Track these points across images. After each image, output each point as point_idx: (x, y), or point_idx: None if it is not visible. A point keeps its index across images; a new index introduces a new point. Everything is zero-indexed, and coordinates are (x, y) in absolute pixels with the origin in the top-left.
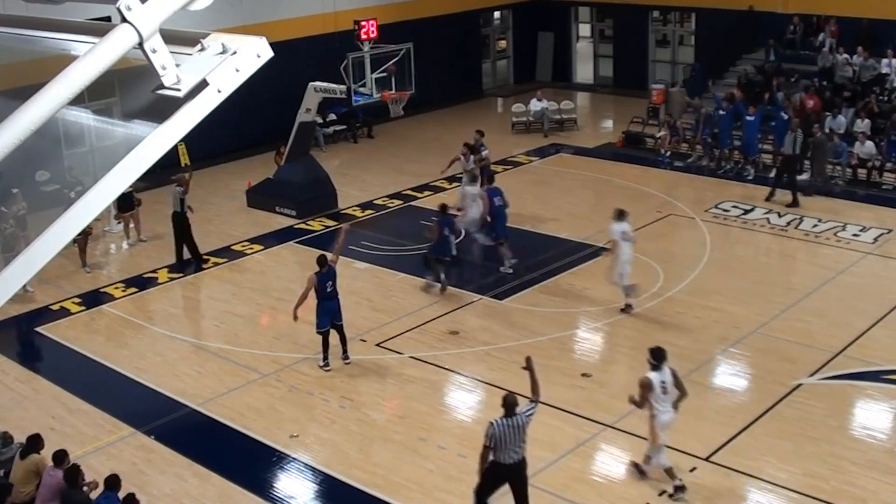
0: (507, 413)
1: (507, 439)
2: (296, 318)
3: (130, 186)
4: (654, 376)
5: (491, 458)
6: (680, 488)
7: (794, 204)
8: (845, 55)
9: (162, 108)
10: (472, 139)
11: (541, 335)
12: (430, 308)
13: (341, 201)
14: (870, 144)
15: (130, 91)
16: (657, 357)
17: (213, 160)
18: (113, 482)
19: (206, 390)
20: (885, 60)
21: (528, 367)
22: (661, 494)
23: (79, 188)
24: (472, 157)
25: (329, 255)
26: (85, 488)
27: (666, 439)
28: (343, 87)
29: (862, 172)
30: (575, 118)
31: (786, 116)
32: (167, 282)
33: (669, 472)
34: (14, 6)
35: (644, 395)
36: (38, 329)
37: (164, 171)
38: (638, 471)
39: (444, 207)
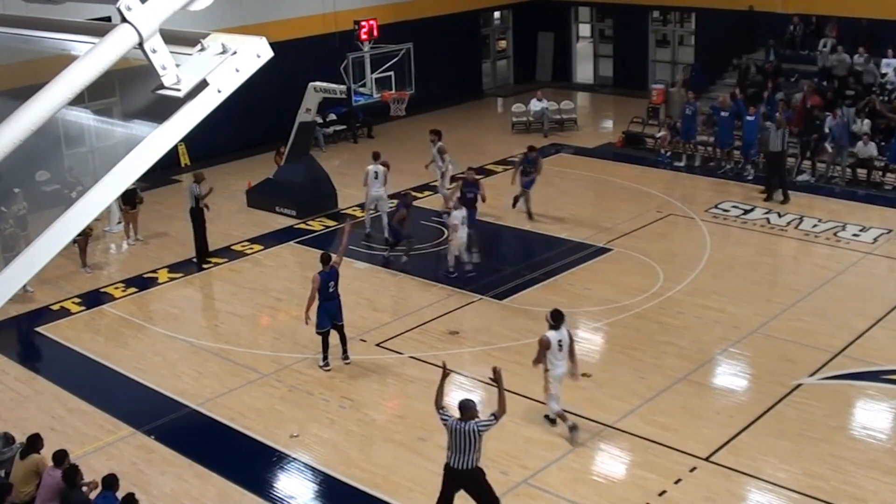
0: (461, 417)
1: (460, 443)
2: (308, 321)
3: (132, 185)
4: (551, 335)
5: (446, 461)
6: (573, 427)
7: (785, 200)
8: (845, 55)
9: (162, 108)
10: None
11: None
12: (430, 308)
13: (341, 201)
14: (871, 145)
15: (130, 91)
16: (556, 319)
17: (213, 160)
18: (111, 482)
19: (206, 390)
20: (885, 60)
21: (496, 379)
22: (661, 494)
23: (79, 188)
24: (438, 143)
25: (333, 257)
26: (84, 488)
27: (559, 390)
28: (343, 87)
29: (862, 172)
30: (575, 118)
31: (777, 115)
32: (167, 282)
33: (561, 416)
34: (14, 6)
35: (541, 352)
36: (38, 329)
37: (164, 171)
38: (549, 421)
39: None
